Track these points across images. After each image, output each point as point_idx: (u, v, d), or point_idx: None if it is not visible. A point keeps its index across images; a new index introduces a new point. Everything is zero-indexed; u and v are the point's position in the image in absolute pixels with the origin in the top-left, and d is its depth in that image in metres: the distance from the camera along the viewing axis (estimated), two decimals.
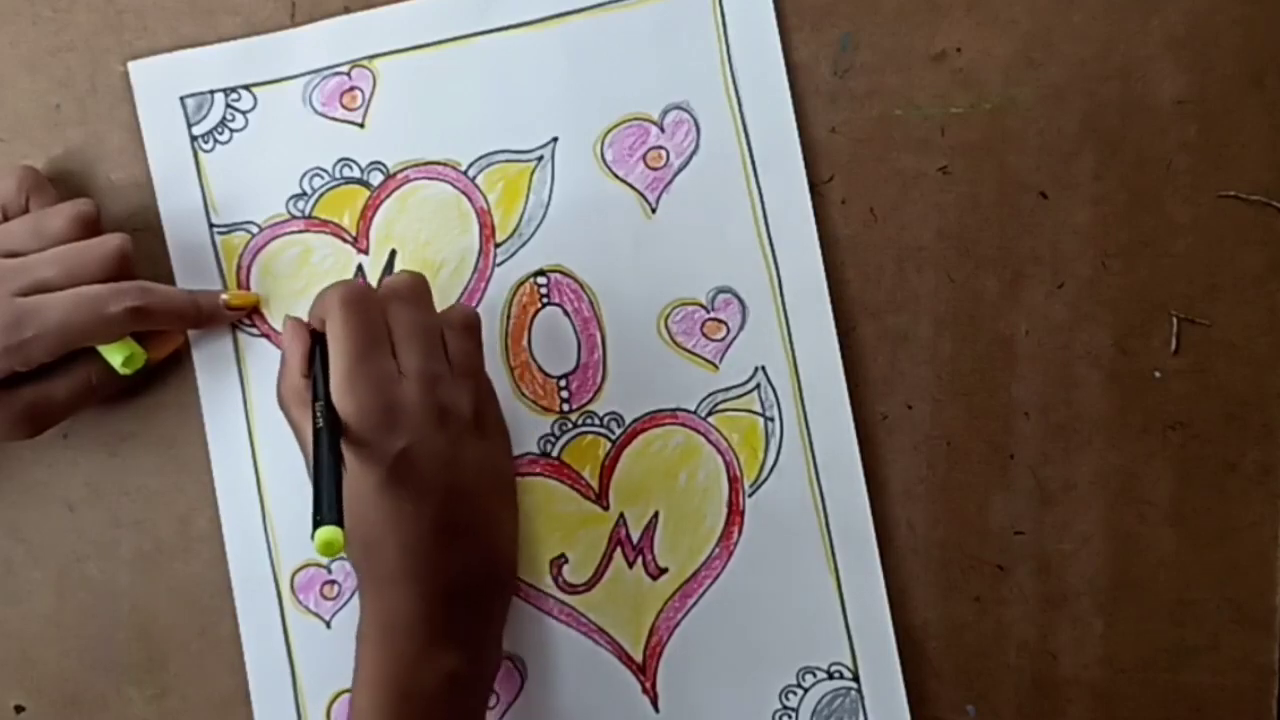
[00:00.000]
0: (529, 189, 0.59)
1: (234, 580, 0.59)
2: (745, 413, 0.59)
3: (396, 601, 0.51)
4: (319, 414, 0.50)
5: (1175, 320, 0.58)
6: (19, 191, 0.55)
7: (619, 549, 0.59)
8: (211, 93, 0.59)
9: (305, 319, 0.54)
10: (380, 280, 0.56)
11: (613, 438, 0.59)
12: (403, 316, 0.52)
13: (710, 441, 0.59)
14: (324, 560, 0.59)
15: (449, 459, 0.52)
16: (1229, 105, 0.58)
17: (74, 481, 0.59)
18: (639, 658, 0.59)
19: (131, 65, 0.59)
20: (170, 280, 0.59)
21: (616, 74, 0.59)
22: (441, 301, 0.58)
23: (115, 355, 0.54)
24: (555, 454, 0.59)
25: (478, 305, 0.59)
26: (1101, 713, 0.58)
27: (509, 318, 0.59)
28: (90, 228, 0.55)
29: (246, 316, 0.59)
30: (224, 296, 0.58)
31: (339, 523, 0.46)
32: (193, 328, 0.58)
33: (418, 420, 0.51)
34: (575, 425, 0.59)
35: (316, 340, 0.52)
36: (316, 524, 0.46)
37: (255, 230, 0.59)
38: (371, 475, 0.50)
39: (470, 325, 0.55)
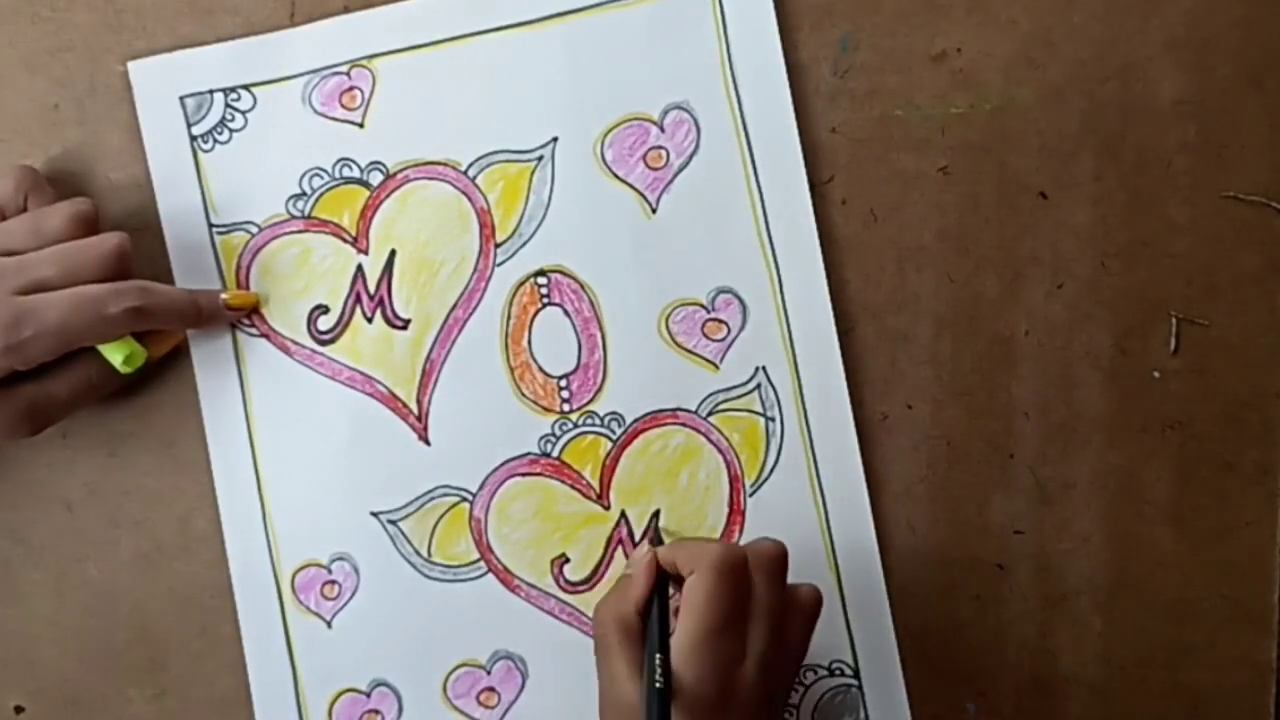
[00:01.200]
0: (529, 189, 0.59)
1: (234, 580, 0.59)
2: (746, 413, 0.59)
3: None
4: (657, 674, 0.47)
5: (1175, 320, 0.58)
6: (17, 191, 0.55)
7: (620, 548, 0.59)
8: (211, 92, 0.59)
9: (654, 551, 0.52)
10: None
11: (613, 438, 0.59)
12: (765, 593, 0.50)
13: (711, 441, 0.59)
14: (325, 560, 0.59)
15: None
16: (1228, 106, 0.58)
17: (73, 481, 0.59)
18: None
19: (131, 65, 0.59)
20: (170, 280, 0.59)
21: (616, 74, 0.59)
22: (442, 302, 0.59)
23: (115, 354, 0.54)
24: (556, 454, 0.59)
25: (478, 305, 0.59)
26: (1100, 710, 0.59)
27: (509, 318, 0.59)
28: (88, 227, 0.55)
29: (246, 316, 0.59)
30: (224, 296, 0.58)
31: None
32: (192, 327, 0.58)
33: (748, 707, 0.49)
34: (576, 425, 0.59)
35: (662, 582, 0.51)
36: None
37: (255, 230, 0.59)
38: None
39: (816, 612, 0.53)
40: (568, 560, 0.59)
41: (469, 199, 0.59)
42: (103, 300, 0.52)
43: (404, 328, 0.59)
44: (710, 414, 0.59)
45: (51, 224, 0.54)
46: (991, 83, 0.58)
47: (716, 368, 0.59)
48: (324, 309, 0.59)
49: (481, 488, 0.59)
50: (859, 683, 0.59)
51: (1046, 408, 0.58)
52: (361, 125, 0.59)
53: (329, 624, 0.59)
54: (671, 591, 0.52)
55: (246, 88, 0.59)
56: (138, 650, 0.59)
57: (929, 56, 0.59)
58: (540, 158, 0.59)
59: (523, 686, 0.59)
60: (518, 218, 0.59)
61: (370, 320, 0.59)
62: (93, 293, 0.53)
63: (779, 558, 0.52)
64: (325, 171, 0.59)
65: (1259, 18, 0.58)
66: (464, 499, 0.59)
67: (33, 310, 0.52)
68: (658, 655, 0.48)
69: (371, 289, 0.59)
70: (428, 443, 0.59)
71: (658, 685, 0.47)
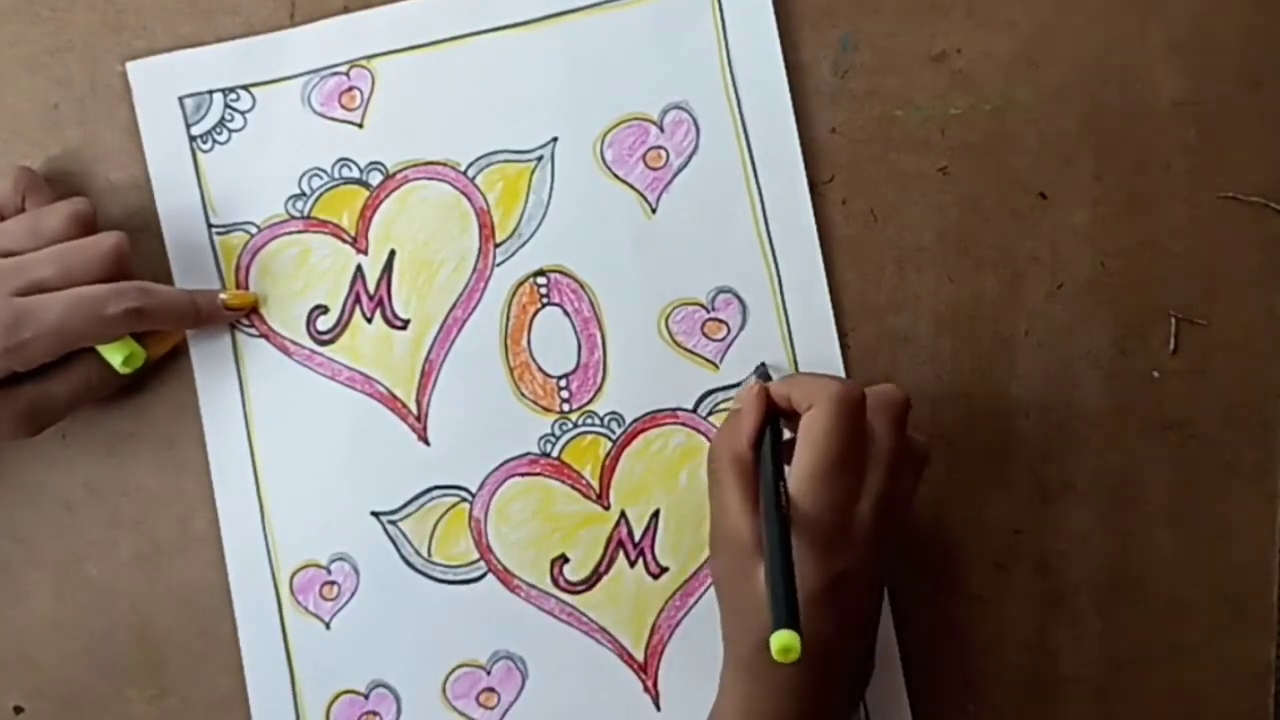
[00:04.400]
0: (529, 189, 0.59)
1: (233, 581, 0.59)
2: None
3: (781, 709, 0.50)
4: (779, 501, 0.47)
5: (1174, 320, 0.58)
6: (15, 191, 0.55)
7: (620, 549, 0.59)
8: (210, 93, 0.59)
9: (764, 385, 0.52)
10: None
11: (613, 438, 0.59)
12: (884, 436, 0.50)
13: (711, 441, 0.59)
14: (324, 561, 0.58)
15: (875, 586, 0.51)
16: (1228, 107, 0.58)
17: (73, 482, 0.59)
18: (640, 657, 0.59)
19: (129, 65, 0.58)
20: (169, 280, 0.59)
21: (616, 74, 0.59)
22: (441, 302, 0.59)
23: (115, 355, 0.54)
24: (555, 454, 0.59)
25: (477, 306, 0.59)
26: (1100, 711, 0.59)
27: (509, 318, 0.59)
28: (86, 226, 0.55)
29: (245, 316, 0.59)
30: (222, 296, 0.58)
31: (797, 626, 0.44)
32: (191, 328, 0.58)
33: (864, 547, 0.49)
34: (575, 425, 0.59)
35: (772, 415, 0.51)
36: (776, 626, 0.44)
37: (254, 230, 0.59)
38: (803, 586, 0.47)
39: (924, 463, 0.53)
40: (567, 560, 0.59)
41: (468, 199, 0.59)
42: (102, 301, 0.52)
43: (403, 328, 0.59)
44: (710, 414, 0.59)
45: (50, 224, 0.54)
46: (991, 83, 0.58)
47: (716, 367, 0.59)
48: (323, 309, 0.59)
49: (481, 488, 0.59)
50: None
51: (1046, 408, 0.58)
52: (361, 125, 0.59)
53: (327, 625, 0.59)
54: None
55: (246, 88, 0.59)
56: (137, 650, 0.59)
57: (929, 56, 0.59)
58: (540, 158, 0.59)
59: (522, 687, 0.59)
60: (517, 218, 0.59)
61: (370, 320, 0.59)
62: (92, 294, 0.53)
63: (902, 403, 0.51)
64: (324, 172, 0.59)
65: (1259, 18, 0.58)
66: (464, 499, 0.59)
67: (32, 311, 0.52)
68: (781, 482, 0.48)
69: (371, 289, 0.59)
70: (427, 443, 0.59)
71: (781, 509, 0.47)
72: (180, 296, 0.56)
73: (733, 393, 0.59)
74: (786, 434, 0.52)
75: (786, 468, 0.50)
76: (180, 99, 0.59)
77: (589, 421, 0.59)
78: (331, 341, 0.59)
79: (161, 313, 0.55)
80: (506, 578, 0.59)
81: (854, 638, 0.51)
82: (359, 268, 0.59)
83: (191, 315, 0.57)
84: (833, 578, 0.48)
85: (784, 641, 0.43)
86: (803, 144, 0.58)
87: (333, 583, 0.59)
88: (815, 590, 0.48)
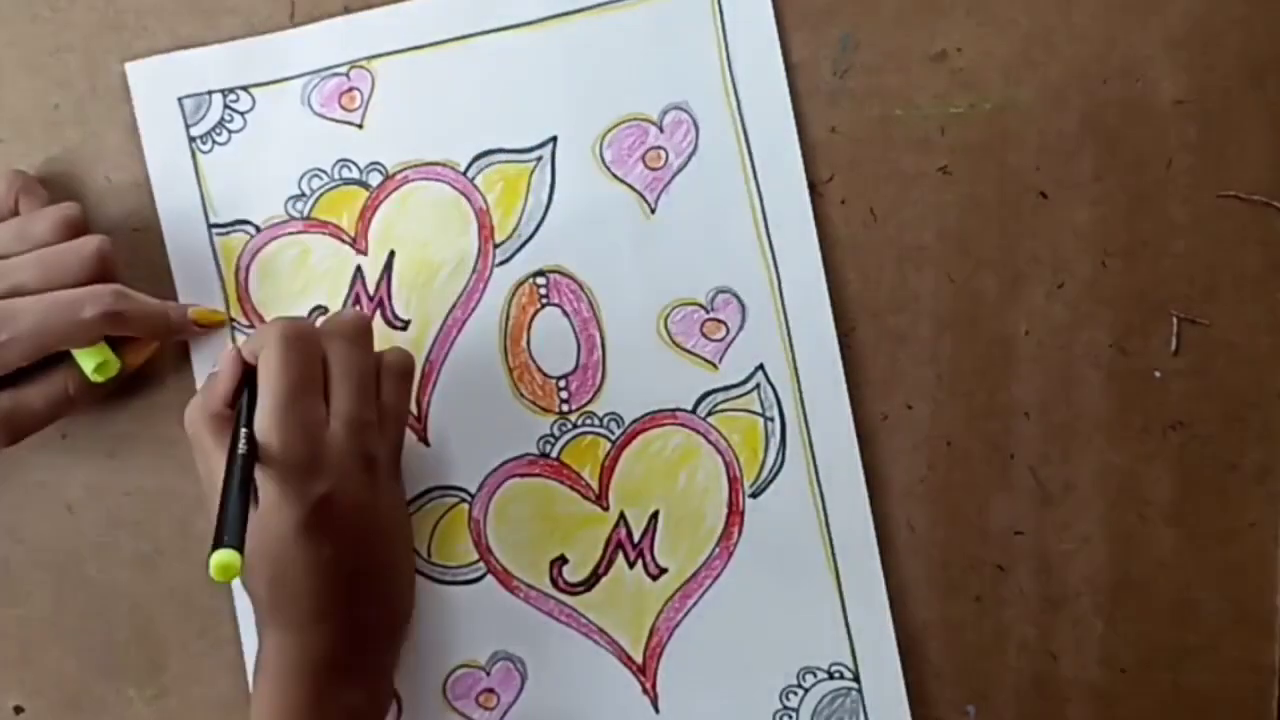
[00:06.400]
0: (528, 189, 0.59)
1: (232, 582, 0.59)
2: (745, 413, 0.59)
3: (307, 641, 0.52)
4: (242, 441, 0.49)
5: (1175, 320, 0.58)
6: (8, 194, 0.55)
7: (619, 549, 0.59)
8: (209, 93, 0.59)
9: (235, 346, 0.54)
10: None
11: (612, 438, 0.59)
12: (341, 356, 0.52)
13: (710, 442, 0.59)
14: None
15: (368, 505, 0.52)
16: (1229, 105, 0.58)
17: (73, 482, 0.59)
18: (639, 658, 0.59)
19: (129, 66, 0.59)
20: (169, 281, 0.59)
21: (616, 74, 0.59)
22: (441, 302, 0.59)
23: (88, 361, 0.54)
24: (555, 455, 0.59)
25: (477, 306, 0.59)
26: (1101, 713, 0.58)
27: (508, 318, 0.59)
28: (75, 231, 0.54)
29: (245, 322, 0.59)
30: (191, 313, 0.57)
31: (240, 548, 0.45)
32: (164, 338, 0.58)
33: (343, 467, 0.51)
34: (575, 426, 0.59)
35: (248, 375, 0.52)
36: (215, 547, 0.44)
37: (254, 231, 0.59)
38: (290, 516, 0.50)
39: (406, 372, 0.56)
40: (566, 561, 0.59)
41: (468, 199, 0.59)
42: (78, 304, 0.52)
43: (403, 328, 0.59)
44: (709, 414, 0.59)
45: (38, 228, 0.54)
46: (991, 83, 0.58)
47: (715, 368, 0.59)
48: (323, 310, 0.59)
49: (481, 488, 0.59)
50: (859, 685, 0.58)
51: (1047, 408, 0.58)
52: (360, 126, 0.59)
53: None
54: None
55: (245, 89, 0.59)
56: (138, 650, 0.59)
57: (929, 56, 0.59)
58: (539, 158, 0.59)
59: (522, 688, 0.59)
60: (517, 218, 0.59)
61: None
62: (68, 297, 0.52)
63: (355, 322, 0.54)
64: (324, 172, 0.59)
65: (1259, 17, 0.57)
66: (463, 500, 0.59)
67: (8, 315, 0.52)
68: (243, 429, 0.49)
69: (371, 290, 0.59)
70: (427, 443, 0.59)
71: (240, 451, 0.48)
72: (155, 305, 0.56)
73: (733, 393, 0.59)
74: None
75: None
76: (180, 99, 0.59)
77: (588, 422, 0.59)
78: None
79: (137, 318, 0.54)
80: (506, 578, 0.59)
81: (364, 558, 0.52)
82: (359, 268, 0.59)
83: (164, 325, 0.56)
84: (315, 502, 0.50)
85: (222, 560, 0.44)
86: (802, 144, 0.58)
87: None
88: (301, 518, 0.50)
